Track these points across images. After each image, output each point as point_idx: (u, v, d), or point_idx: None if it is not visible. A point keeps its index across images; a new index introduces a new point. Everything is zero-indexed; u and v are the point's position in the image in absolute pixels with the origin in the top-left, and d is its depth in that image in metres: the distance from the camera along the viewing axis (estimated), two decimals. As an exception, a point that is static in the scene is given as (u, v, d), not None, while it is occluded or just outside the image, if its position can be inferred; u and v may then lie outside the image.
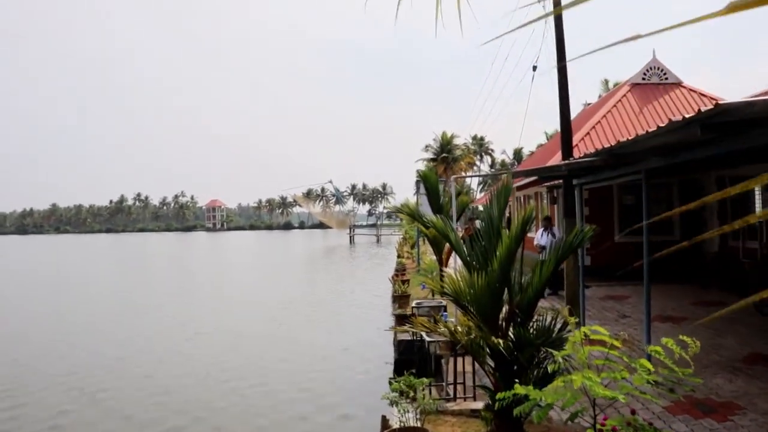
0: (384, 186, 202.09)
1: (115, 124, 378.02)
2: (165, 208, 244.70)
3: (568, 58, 14.16)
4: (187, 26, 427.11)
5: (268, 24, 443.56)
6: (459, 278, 6.63)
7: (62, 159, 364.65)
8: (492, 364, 6.52)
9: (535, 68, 15.17)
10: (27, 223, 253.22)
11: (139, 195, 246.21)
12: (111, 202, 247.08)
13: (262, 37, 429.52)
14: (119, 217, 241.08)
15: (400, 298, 16.94)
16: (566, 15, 13.93)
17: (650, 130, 6.62)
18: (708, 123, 5.72)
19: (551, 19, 14.05)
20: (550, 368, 5.73)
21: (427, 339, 8.30)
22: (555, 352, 5.55)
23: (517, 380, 5.56)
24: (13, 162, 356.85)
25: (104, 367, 15.98)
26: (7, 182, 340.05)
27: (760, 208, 17.60)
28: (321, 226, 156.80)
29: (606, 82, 66.58)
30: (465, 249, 6.83)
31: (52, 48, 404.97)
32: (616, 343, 4.94)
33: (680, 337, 5.15)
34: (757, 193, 17.80)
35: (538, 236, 17.02)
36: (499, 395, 5.42)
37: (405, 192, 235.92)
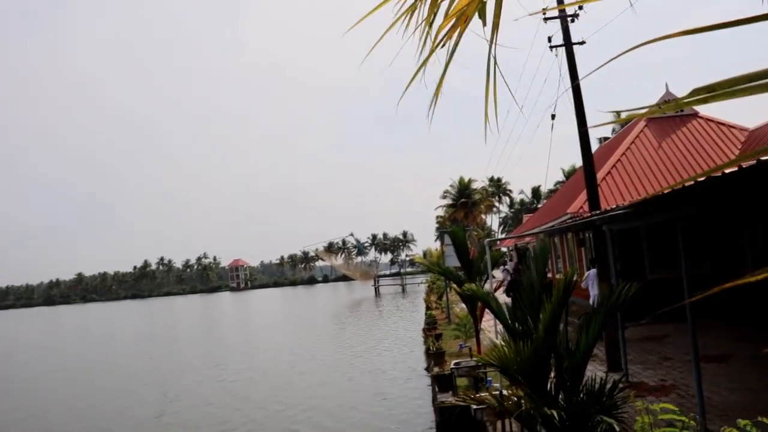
0: (404, 234, 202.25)
1: (131, 191, 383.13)
2: (188, 270, 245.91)
3: (584, 90, 14.17)
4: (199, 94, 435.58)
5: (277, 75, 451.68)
6: (503, 345, 6.52)
7: (84, 228, 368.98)
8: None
9: (553, 117, 15.20)
10: (54, 294, 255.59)
11: (162, 259, 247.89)
12: (135, 268, 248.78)
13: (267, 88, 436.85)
14: (144, 283, 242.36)
15: (435, 356, 16.69)
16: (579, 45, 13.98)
17: (687, 184, 6.52)
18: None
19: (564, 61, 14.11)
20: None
21: (474, 407, 8.15)
22: (612, 421, 5.41)
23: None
24: (39, 234, 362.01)
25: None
26: (34, 254, 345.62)
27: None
28: (345, 278, 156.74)
29: (618, 114, 66.63)
30: (508, 315, 6.73)
31: (67, 119, 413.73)
32: (690, 422, 4.78)
33: (759, 418, 4.93)
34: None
35: (588, 281, 16.43)
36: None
37: (425, 237, 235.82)
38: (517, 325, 6.69)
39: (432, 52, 2.44)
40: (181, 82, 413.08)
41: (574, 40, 13.65)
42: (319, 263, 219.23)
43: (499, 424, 8.77)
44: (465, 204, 69.38)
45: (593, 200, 13.84)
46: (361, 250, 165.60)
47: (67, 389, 25.72)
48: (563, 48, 13.71)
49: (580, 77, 13.95)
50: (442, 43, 2.42)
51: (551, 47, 13.96)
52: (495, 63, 2.40)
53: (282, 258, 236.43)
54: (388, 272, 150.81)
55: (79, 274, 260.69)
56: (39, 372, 32.61)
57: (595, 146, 36.70)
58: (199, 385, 23.72)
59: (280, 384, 22.52)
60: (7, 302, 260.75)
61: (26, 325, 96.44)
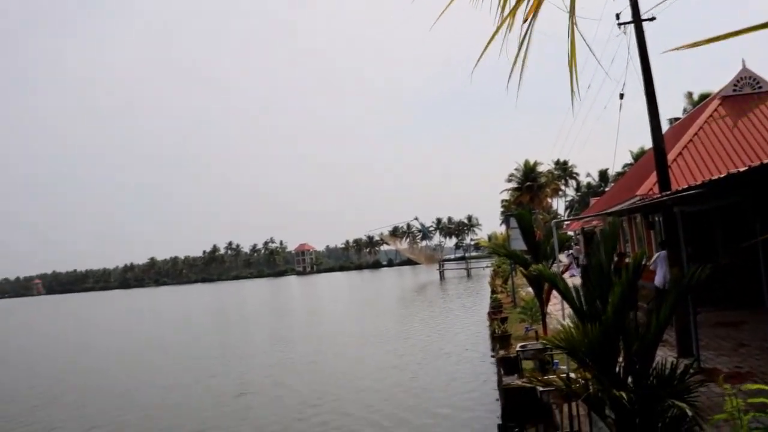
0: (469, 218, 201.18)
1: (201, 180, 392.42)
2: (256, 254, 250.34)
3: (653, 69, 13.74)
4: (265, 69, 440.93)
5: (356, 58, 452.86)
6: (571, 327, 6.44)
7: (157, 215, 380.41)
8: (613, 416, 6.27)
9: (622, 96, 14.80)
10: (129, 277, 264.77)
11: (230, 244, 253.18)
12: (204, 252, 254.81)
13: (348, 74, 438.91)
14: (213, 267, 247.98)
15: (500, 339, 16.61)
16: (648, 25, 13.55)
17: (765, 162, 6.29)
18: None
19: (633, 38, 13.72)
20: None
21: (540, 389, 8.08)
22: (684, 405, 5.30)
23: None
24: (116, 219, 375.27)
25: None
26: (111, 240, 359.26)
27: None
28: (410, 262, 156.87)
29: (690, 95, 64.41)
30: (576, 296, 6.63)
31: (134, 118, 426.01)
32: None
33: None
34: None
35: (657, 263, 15.89)
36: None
37: (490, 221, 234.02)
38: (585, 306, 6.59)
39: (506, 20, 2.41)
40: (243, 72, 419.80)
41: (643, 16, 13.25)
42: (384, 247, 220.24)
43: (565, 408, 8.68)
44: (530, 187, 68.37)
45: (663, 182, 13.45)
46: (425, 234, 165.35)
47: (152, 369, 26.62)
48: (632, 25, 13.34)
49: (649, 55, 13.56)
50: (515, 12, 2.40)
51: (619, 24, 13.61)
52: (574, 33, 2.37)
53: (347, 242, 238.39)
54: (452, 256, 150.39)
55: (152, 259, 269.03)
56: (134, 352, 33.85)
57: (665, 127, 35.66)
58: (274, 365, 24.25)
59: (352, 365, 22.88)
60: (87, 285, 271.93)
61: (108, 307, 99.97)
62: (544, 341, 7.77)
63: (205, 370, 24.35)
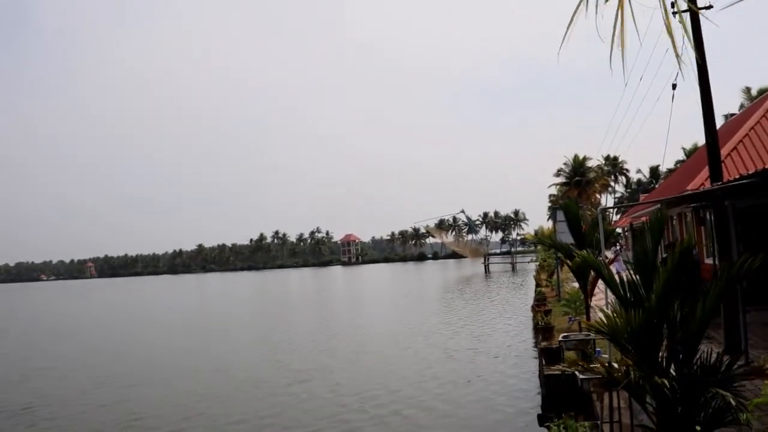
0: (516, 212, 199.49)
1: (249, 165, 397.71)
2: (302, 244, 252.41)
3: (708, 55, 13.42)
4: (322, 56, 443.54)
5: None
6: (614, 314, 6.36)
7: (205, 203, 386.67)
8: (654, 404, 6.18)
9: (674, 86, 14.47)
10: (177, 263, 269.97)
11: (277, 233, 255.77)
12: (251, 240, 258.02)
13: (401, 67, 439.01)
14: (259, 255, 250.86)
15: (543, 330, 16.52)
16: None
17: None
18: None
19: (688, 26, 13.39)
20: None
21: (580, 376, 8.00)
22: (727, 394, 5.21)
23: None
24: (165, 208, 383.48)
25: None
26: (160, 226, 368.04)
27: None
28: (455, 255, 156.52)
29: (748, 90, 62.60)
30: (619, 284, 6.54)
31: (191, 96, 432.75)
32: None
33: None
34: None
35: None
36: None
37: (536, 217, 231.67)
38: (629, 294, 6.50)
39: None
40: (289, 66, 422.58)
41: (700, 4, 12.92)
42: (429, 240, 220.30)
43: (606, 398, 8.59)
44: (579, 182, 67.40)
45: (716, 176, 13.13)
46: (471, 227, 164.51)
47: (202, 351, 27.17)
48: (687, 14, 13.01)
49: (705, 46, 13.25)
50: None
51: (674, 13, 13.30)
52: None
53: (393, 234, 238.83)
54: (498, 251, 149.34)
55: (200, 245, 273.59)
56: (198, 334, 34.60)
57: (720, 122, 34.79)
58: (325, 352, 24.65)
59: (401, 354, 23.05)
60: (137, 269, 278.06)
61: (176, 289, 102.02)
62: (586, 326, 7.69)
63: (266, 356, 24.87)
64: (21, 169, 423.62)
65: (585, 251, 6.90)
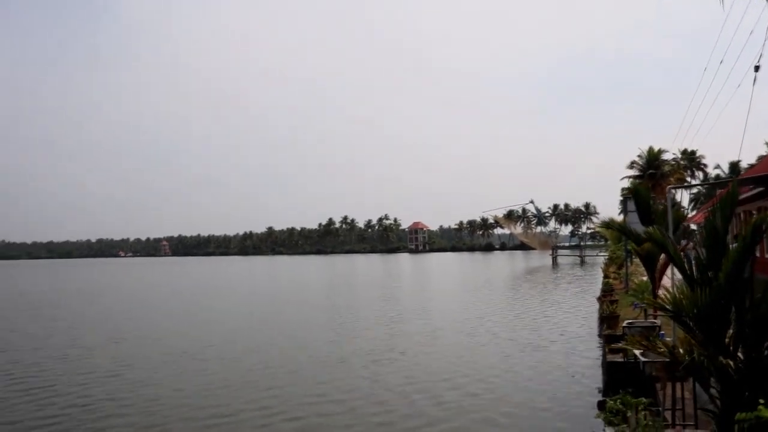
0: (587, 205, 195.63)
1: (321, 151, 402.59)
2: (370, 230, 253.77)
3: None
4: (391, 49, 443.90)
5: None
6: (678, 293, 6.11)
7: (276, 187, 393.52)
8: (718, 387, 5.92)
9: (757, 68, 13.73)
10: (248, 245, 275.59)
11: (345, 218, 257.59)
12: (320, 225, 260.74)
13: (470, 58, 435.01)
14: (327, 239, 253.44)
15: (608, 319, 16.12)
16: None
17: None
18: None
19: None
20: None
21: (642, 359, 7.72)
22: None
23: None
24: (235, 191, 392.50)
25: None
26: (233, 209, 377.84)
27: None
28: (522, 247, 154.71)
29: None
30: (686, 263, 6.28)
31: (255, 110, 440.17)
32: None
33: None
34: None
35: None
36: (739, 415, 4.88)
37: (608, 211, 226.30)
38: (695, 273, 6.22)
39: None
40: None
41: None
42: (498, 231, 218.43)
43: (669, 388, 8.30)
44: (653, 175, 65.19)
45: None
46: (541, 219, 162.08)
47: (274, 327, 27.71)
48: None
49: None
50: None
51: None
52: None
53: (461, 223, 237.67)
54: (567, 244, 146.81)
55: (270, 228, 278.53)
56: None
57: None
58: (397, 335, 24.79)
59: (469, 340, 22.98)
60: (209, 249, 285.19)
61: (265, 270, 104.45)
62: (650, 305, 7.41)
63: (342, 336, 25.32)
64: (95, 149, 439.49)
65: (652, 227, 6.63)
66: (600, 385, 14.22)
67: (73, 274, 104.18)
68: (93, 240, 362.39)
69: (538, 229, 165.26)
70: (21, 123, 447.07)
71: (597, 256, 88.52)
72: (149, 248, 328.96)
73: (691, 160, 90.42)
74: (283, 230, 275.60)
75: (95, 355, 21.46)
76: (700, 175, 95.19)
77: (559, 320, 27.11)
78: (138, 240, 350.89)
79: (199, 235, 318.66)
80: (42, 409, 14.34)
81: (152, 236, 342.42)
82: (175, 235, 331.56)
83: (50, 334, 26.75)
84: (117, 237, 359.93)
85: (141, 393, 15.62)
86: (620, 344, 7.44)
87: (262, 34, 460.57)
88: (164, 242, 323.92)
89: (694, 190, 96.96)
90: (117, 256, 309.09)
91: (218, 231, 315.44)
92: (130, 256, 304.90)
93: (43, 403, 14.87)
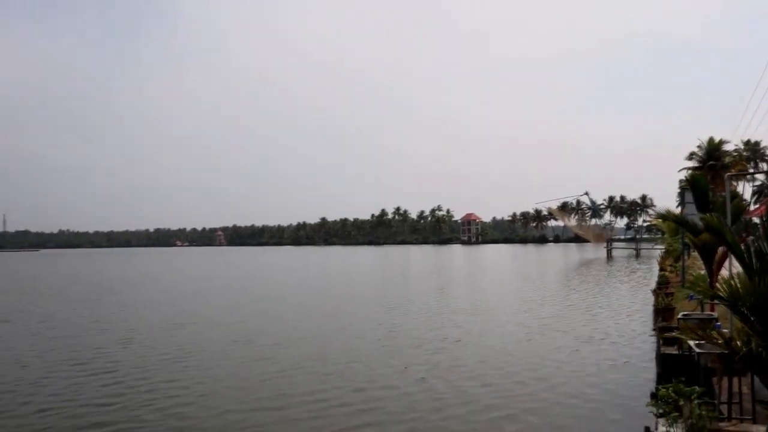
0: (643, 198, 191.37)
1: (375, 142, 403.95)
2: (422, 221, 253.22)
3: None
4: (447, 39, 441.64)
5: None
6: (736, 282, 5.98)
7: (329, 177, 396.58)
8: (776, 379, 5.80)
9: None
10: (301, 235, 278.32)
11: (398, 209, 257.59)
12: (372, 216, 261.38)
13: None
14: (380, 230, 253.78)
15: (663, 311, 15.82)
16: None
17: None
18: None
19: None
20: None
21: (697, 350, 7.58)
22: None
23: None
24: (290, 182, 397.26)
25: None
26: (287, 199, 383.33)
27: None
28: (576, 239, 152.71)
29: None
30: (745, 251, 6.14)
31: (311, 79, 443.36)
32: None
33: None
34: None
35: None
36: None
37: (665, 202, 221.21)
38: (754, 262, 6.09)
39: None
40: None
41: None
42: (551, 223, 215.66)
43: (725, 382, 8.12)
44: (713, 167, 63.23)
45: None
46: (595, 211, 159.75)
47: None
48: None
49: None
50: None
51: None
52: None
53: (514, 215, 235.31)
54: (622, 237, 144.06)
55: (323, 219, 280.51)
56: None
57: None
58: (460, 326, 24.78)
59: (524, 330, 23.03)
60: (262, 240, 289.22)
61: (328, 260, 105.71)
62: (706, 294, 7.25)
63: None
64: (161, 148, 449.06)
65: (709, 214, 6.50)
66: (654, 377, 14.01)
67: (140, 262, 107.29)
68: (151, 230, 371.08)
69: (593, 221, 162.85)
70: (88, 119, 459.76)
71: (653, 249, 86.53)
72: (205, 238, 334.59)
73: (754, 151, 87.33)
74: (336, 221, 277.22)
75: (164, 340, 22.22)
76: (764, 166, 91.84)
77: (613, 312, 26.78)
78: (194, 230, 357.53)
79: (253, 225, 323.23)
80: (107, 386, 15.12)
81: (208, 226, 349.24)
82: (230, 225, 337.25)
83: (124, 318, 28.64)
84: (174, 226, 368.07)
85: (198, 376, 16.20)
86: (674, 333, 7.28)
87: (339, 33, 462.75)
88: (219, 232, 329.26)
89: (758, 183, 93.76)
90: (174, 245, 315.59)
91: (272, 221, 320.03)
92: (186, 246, 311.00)
93: (108, 382, 15.60)
